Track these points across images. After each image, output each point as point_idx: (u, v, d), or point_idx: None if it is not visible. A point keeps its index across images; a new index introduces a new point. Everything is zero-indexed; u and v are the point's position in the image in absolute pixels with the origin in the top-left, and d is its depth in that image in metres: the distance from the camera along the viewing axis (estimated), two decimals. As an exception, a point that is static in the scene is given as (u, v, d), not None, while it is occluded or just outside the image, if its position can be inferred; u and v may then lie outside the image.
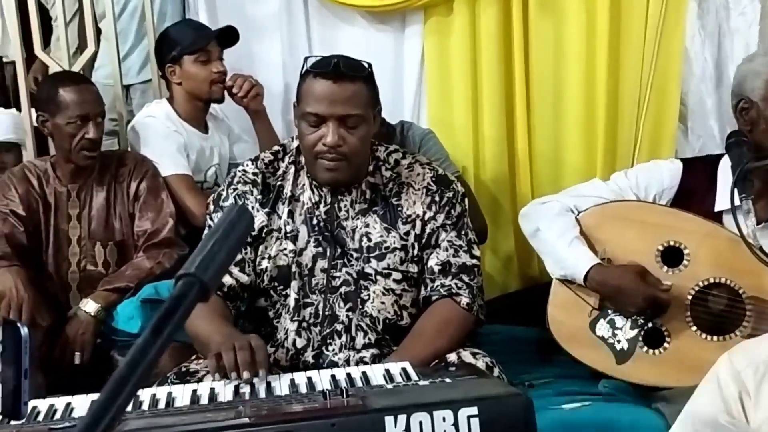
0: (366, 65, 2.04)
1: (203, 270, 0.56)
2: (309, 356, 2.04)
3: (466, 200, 2.17)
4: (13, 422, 0.71)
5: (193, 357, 2.10)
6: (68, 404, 1.64)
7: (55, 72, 3.02)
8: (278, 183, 2.11)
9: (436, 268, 2.08)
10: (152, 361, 0.52)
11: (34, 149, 3.07)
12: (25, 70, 3.11)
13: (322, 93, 1.97)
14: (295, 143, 2.15)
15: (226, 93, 3.01)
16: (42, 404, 1.61)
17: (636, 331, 2.21)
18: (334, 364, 2.00)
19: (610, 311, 2.25)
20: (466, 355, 1.96)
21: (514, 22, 3.05)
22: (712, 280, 2.17)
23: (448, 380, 1.59)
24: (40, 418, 1.57)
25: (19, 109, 3.23)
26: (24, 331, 0.70)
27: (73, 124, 2.63)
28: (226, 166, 3.11)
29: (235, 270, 2.05)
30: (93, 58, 3.28)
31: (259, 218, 2.07)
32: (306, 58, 2.05)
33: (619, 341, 2.22)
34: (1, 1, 3.50)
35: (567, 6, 3.07)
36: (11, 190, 2.64)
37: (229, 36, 3.01)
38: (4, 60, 3.77)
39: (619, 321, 2.23)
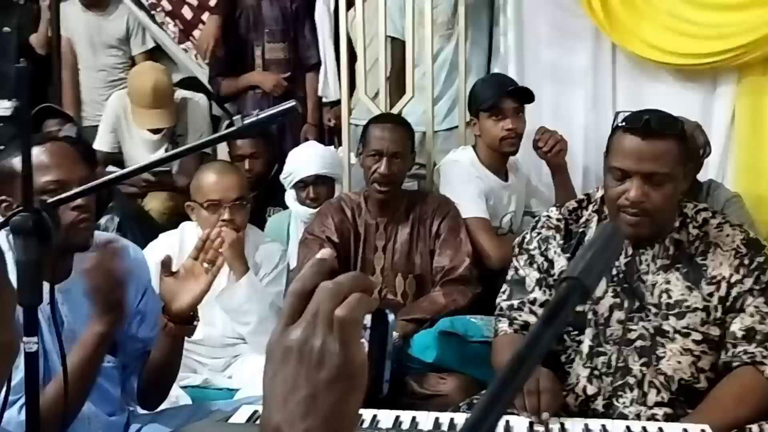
0: (680, 123, 2.02)
1: (585, 275, 0.63)
2: (599, 405, 2.03)
3: (780, 267, 2.06)
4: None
5: (484, 391, 2.18)
6: (374, 416, 1.78)
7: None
8: (580, 230, 2.15)
9: (740, 334, 1.99)
10: (545, 346, 0.58)
11: (348, 184, 3.35)
12: (348, 111, 3.42)
13: (630, 149, 1.97)
14: (600, 193, 2.17)
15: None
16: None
17: None
18: (623, 417, 1.98)
19: None
20: (769, 429, 1.86)
21: None
22: None
23: (754, 449, 1.53)
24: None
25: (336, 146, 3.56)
26: (391, 317, 0.79)
27: (370, 157, 2.86)
28: (521, 215, 3.20)
29: (540, 311, 2.11)
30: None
31: (560, 263, 2.12)
32: (617, 113, 2.08)
33: None
34: (325, 49, 3.91)
35: None
36: (328, 219, 2.91)
37: (527, 93, 3.10)
38: (323, 100, 4.15)
39: None
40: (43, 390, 1.60)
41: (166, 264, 2.00)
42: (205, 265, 2.01)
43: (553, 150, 3.09)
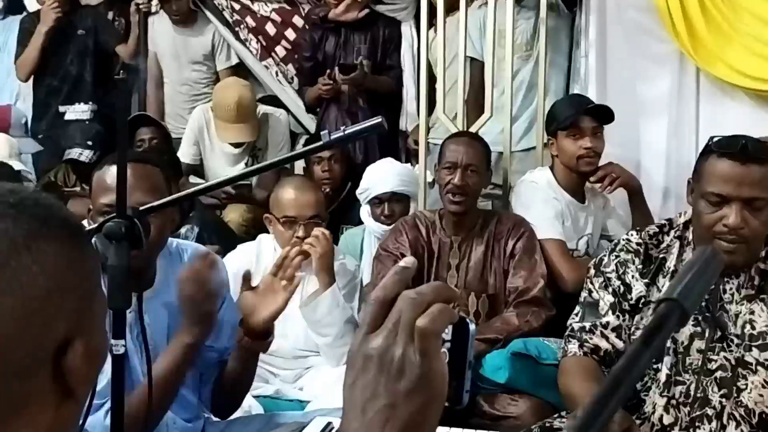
0: None
1: (684, 297, 0.62)
2: (676, 435, 1.99)
3: None
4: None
5: (556, 415, 2.16)
6: (446, 433, 1.78)
7: None
8: (661, 255, 2.11)
9: (825, 368, 1.94)
10: (643, 368, 0.58)
11: (424, 203, 3.36)
12: (426, 130, 3.44)
13: (728, 174, 1.94)
14: (683, 218, 2.13)
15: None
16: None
17: None
18: (701, 449, 1.94)
19: None
20: None
21: None
22: None
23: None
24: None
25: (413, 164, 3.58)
26: (472, 326, 0.78)
27: (445, 170, 2.88)
28: (598, 237, 3.16)
29: (612, 335, 2.08)
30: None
31: (638, 288, 2.08)
32: (711, 138, 2.05)
33: None
34: (404, 75, 3.96)
35: None
36: (402, 236, 2.92)
37: (606, 113, 3.07)
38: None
39: None
40: (128, 396, 1.64)
41: (246, 278, 2.02)
42: (283, 282, 2.02)
43: (611, 186, 3.05)
